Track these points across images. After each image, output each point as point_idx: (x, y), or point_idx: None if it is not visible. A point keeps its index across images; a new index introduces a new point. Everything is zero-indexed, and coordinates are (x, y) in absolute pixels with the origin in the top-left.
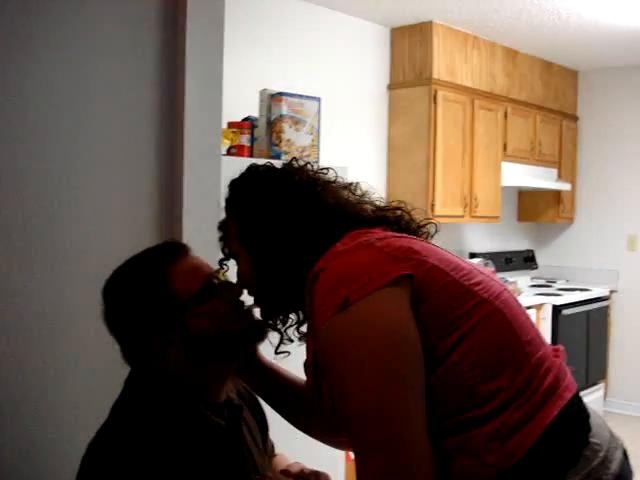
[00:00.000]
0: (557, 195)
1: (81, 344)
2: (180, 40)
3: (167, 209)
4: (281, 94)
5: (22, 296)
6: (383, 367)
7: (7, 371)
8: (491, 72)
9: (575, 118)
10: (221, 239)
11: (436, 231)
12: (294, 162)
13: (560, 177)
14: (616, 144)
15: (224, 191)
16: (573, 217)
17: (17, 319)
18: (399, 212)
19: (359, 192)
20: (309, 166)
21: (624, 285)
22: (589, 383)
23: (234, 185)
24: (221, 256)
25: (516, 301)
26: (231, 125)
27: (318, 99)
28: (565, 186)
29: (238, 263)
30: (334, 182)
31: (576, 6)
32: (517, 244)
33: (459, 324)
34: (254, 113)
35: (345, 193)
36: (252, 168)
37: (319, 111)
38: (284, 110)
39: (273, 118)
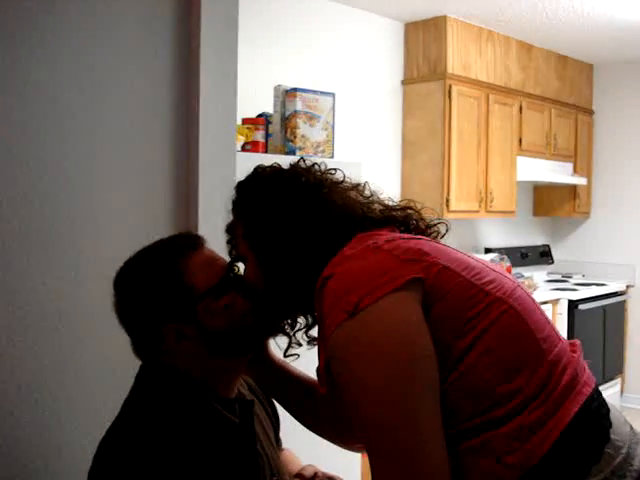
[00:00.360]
0: (573, 189)
1: (99, 338)
2: (194, 37)
3: (182, 205)
4: (295, 90)
5: (40, 293)
6: (396, 374)
7: (27, 365)
8: (506, 66)
9: (590, 112)
10: (229, 242)
11: (447, 230)
12: (301, 162)
13: (576, 171)
14: (632, 138)
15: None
16: (589, 211)
17: (36, 315)
18: (408, 211)
19: (367, 192)
20: (317, 167)
21: None
22: (606, 379)
23: (241, 187)
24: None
25: (530, 297)
26: (246, 121)
27: (332, 95)
28: (581, 180)
29: (246, 265)
30: (342, 182)
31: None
32: (533, 239)
33: (473, 325)
34: (269, 109)
35: (353, 194)
36: (259, 169)
37: (333, 107)
38: (298, 106)
39: (288, 114)
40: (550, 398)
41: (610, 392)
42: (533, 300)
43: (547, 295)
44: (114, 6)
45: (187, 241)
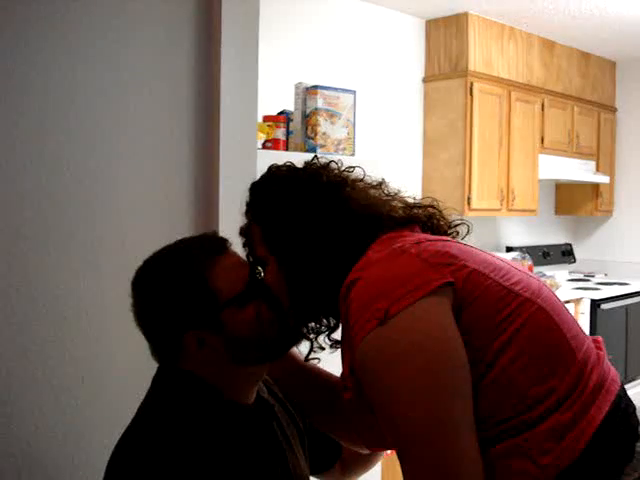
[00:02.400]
0: (595, 188)
1: (118, 336)
2: (215, 35)
3: (203, 203)
4: (316, 87)
5: (60, 289)
6: (430, 382)
7: (48, 360)
8: (528, 63)
9: (613, 109)
10: (245, 245)
11: (468, 232)
12: (316, 161)
13: (598, 169)
14: None
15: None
16: (612, 210)
17: (56, 312)
18: (430, 210)
19: (387, 190)
20: (333, 164)
21: None
22: (628, 379)
23: (256, 188)
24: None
25: (555, 296)
26: (266, 119)
27: (353, 92)
28: (603, 179)
29: (265, 270)
30: (362, 180)
31: None
32: (555, 238)
33: (504, 327)
34: (289, 106)
35: (374, 192)
36: (273, 169)
37: (354, 104)
38: (319, 103)
39: (308, 111)
40: (582, 397)
41: (633, 392)
42: (558, 299)
43: (569, 294)
44: (135, 6)
45: (213, 244)
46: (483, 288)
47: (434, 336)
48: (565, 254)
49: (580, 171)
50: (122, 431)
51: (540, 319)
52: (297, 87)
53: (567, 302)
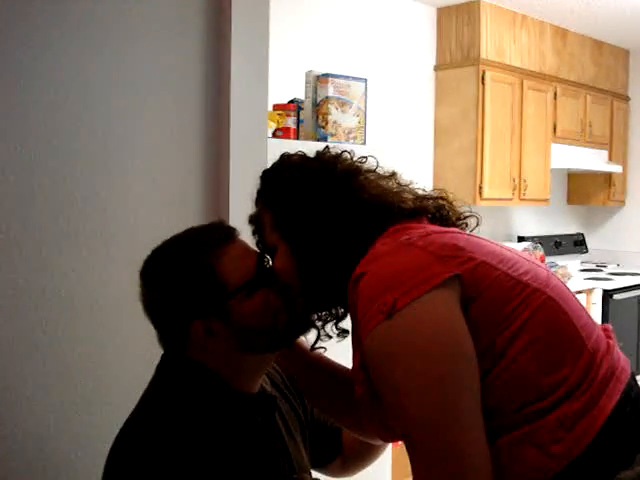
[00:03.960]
0: (608, 177)
1: (128, 326)
2: (225, 23)
3: (213, 192)
4: (327, 75)
5: (70, 279)
6: (437, 374)
7: (59, 350)
8: (540, 52)
9: (626, 98)
10: (255, 232)
11: (477, 224)
12: (327, 150)
13: (611, 159)
14: None
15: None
16: (624, 200)
17: (66, 302)
18: (440, 202)
19: (399, 181)
20: (346, 154)
21: None
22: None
23: (269, 175)
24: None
25: (565, 285)
26: (277, 107)
27: (365, 80)
28: (616, 168)
29: (274, 257)
30: (374, 171)
31: None
32: (567, 227)
33: (514, 317)
34: (300, 95)
35: (385, 182)
36: (285, 157)
37: (366, 92)
38: (330, 91)
39: (319, 100)
40: (593, 386)
41: None
42: (567, 288)
43: (581, 285)
44: None
45: (221, 233)
46: (491, 279)
47: (441, 329)
48: (577, 244)
49: (593, 160)
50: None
51: (549, 308)
52: (308, 75)
53: (579, 292)
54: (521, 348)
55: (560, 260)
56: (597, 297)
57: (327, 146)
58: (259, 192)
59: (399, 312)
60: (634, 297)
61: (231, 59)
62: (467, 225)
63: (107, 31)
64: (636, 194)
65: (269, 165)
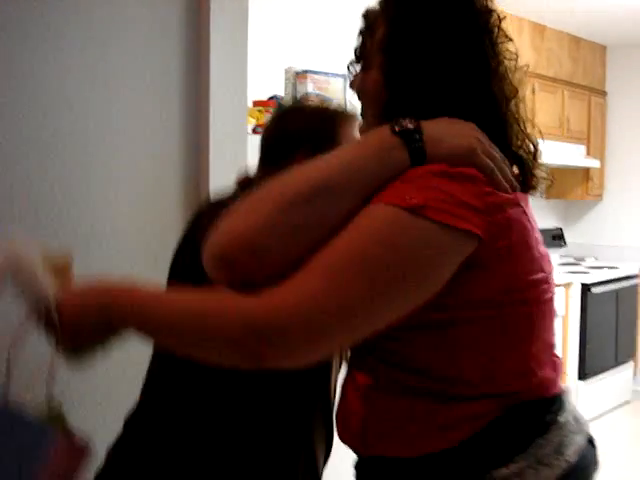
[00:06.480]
0: (586, 172)
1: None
2: (204, 20)
3: (194, 188)
4: (306, 72)
5: None
6: (401, 263)
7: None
8: (519, 47)
9: (604, 94)
10: (361, 33)
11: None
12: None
13: (589, 153)
14: None
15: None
16: (602, 194)
17: None
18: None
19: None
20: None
21: None
22: (618, 362)
23: None
24: None
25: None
26: (256, 104)
27: (344, 76)
28: (594, 163)
29: (365, 70)
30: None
31: None
32: (545, 222)
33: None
34: (280, 91)
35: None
36: None
37: (345, 88)
38: (310, 88)
39: (299, 96)
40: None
41: (623, 375)
42: (553, 315)
43: (560, 278)
44: None
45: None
46: (508, 262)
47: (427, 254)
48: (555, 238)
49: (571, 155)
50: None
51: (524, 317)
52: (287, 72)
53: (557, 286)
54: (478, 334)
55: None
56: (576, 291)
57: None
58: (386, 2)
59: (416, 216)
60: (612, 291)
61: (210, 56)
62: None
63: (90, 30)
64: (614, 188)
65: (249, 161)
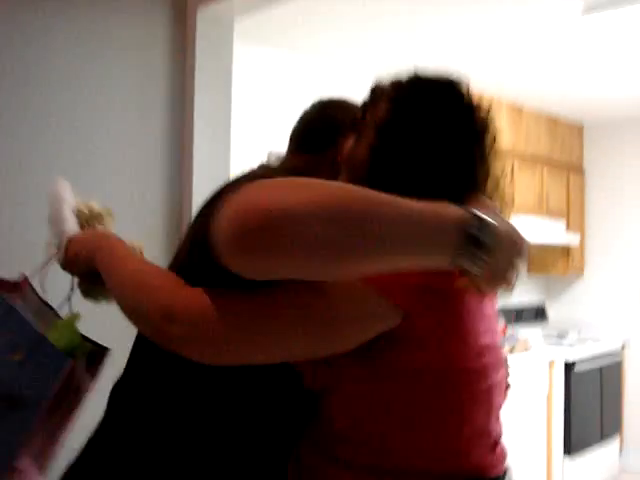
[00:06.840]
0: (566, 247)
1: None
2: (188, 104)
3: (176, 194)
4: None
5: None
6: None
7: None
8: (497, 127)
9: (582, 171)
10: (366, 104)
11: None
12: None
13: (569, 228)
14: (623, 195)
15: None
16: (583, 269)
17: None
18: None
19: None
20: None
21: (638, 336)
22: (604, 437)
23: (419, 80)
24: None
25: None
26: None
27: None
28: (574, 238)
29: (357, 138)
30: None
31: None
32: (527, 297)
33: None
34: None
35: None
36: (442, 83)
37: None
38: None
39: None
40: None
41: (609, 450)
42: (493, 404)
43: (543, 357)
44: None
45: None
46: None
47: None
48: (538, 313)
49: (551, 231)
50: None
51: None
52: (269, 155)
53: (540, 364)
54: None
55: (521, 329)
56: (559, 370)
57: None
58: (398, 87)
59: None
60: (596, 369)
61: (193, 140)
62: None
63: (79, 57)
64: (594, 263)
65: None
